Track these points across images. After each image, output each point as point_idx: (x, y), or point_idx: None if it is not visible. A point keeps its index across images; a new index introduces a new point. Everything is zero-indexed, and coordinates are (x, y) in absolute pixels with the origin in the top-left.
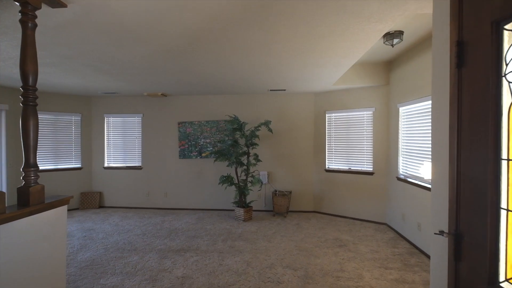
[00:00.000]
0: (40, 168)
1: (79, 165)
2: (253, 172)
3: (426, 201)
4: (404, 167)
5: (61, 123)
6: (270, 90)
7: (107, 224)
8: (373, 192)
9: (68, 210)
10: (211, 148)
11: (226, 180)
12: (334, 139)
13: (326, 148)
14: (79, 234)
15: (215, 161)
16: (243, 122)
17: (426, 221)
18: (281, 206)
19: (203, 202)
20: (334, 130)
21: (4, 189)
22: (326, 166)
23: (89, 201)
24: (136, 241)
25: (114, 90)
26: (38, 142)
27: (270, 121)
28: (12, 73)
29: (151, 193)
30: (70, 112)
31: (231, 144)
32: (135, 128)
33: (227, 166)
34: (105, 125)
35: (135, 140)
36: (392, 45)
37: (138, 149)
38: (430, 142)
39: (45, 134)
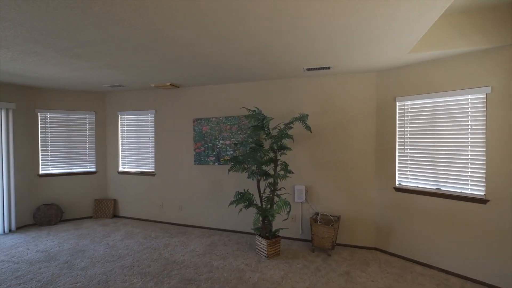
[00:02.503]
0: (54, 171)
1: (93, 169)
2: (280, 189)
3: None
4: None
5: (74, 122)
6: (307, 69)
7: (104, 244)
8: (488, 232)
9: (81, 218)
10: (231, 152)
11: (242, 199)
12: (411, 141)
13: (397, 154)
14: (63, 257)
15: (230, 171)
16: (265, 117)
17: None
18: (323, 239)
19: (220, 220)
20: (411, 126)
21: (12, 194)
22: (397, 183)
23: (103, 209)
24: (114, 279)
25: (118, 82)
26: (51, 144)
27: (307, 115)
28: (15, 69)
29: (165, 204)
30: (83, 110)
31: (253, 148)
32: (148, 127)
33: (248, 178)
34: (119, 124)
35: (149, 142)
36: None
37: (151, 151)
38: None
39: (58, 134)
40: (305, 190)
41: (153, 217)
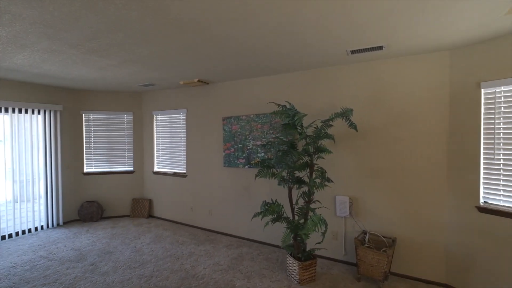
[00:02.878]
0: (96, 170)
1: (131, 169)
2: (315, 201)
3: None
4: None
5: (114, 122)
6: (352, 52)
7: (132, 247)
8: None
9: (120, 216)
10: (263, 154)
11: (268, 211)
12: (505, 142)
13: (482, 160)
14: (91, 258)
15: (257, 176)
16: (296, 113)
17: None
18: (373, 267)
19: (251, 230)
20: (505, 122)
21: (60, 190)
22: (482, 200)
23: (140, 208)
24: None
25: (148, 81)
26: (94, 143)
27: (352, 110)
28: (50, 71)
29: (196, 208)
30: (121, 111)
31: (284, 150)
32: (180, 126)
33: (278, 185)
34: (154, 123)
35: (180, 142)
36: None
37: (183, 152)
38: None
39: (100, 134)
40: (350, 202)
41: (184, 220)
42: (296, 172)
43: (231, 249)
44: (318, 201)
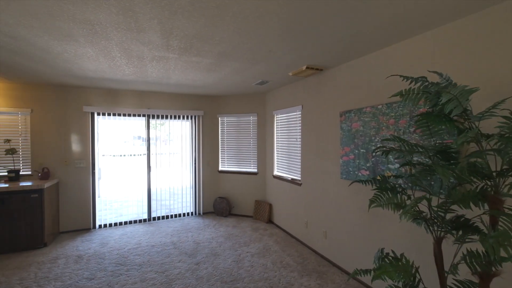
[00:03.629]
0: (228, 169)
1: (255, 170)
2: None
3: None
4: None
5: (241, 124)
6: None
7: (236, 255)
8: None
9: (244, 216)
10: (397, 166)
11: (386, 271)
12: None
13: None
14: (200, 256)
15: (371, 206)
16: (453, 87)
17: None
18: None
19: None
20: None
21: (201, 184)
22: None
23: (261, 211)
24: None
25: (259, 78)
26: (227, 144)
27: None
28: (174, 79)
29: (310, 224)
30: (248, 113)
31: (430, 164)
32: (296, 126)
33: (418, 225)
34: (275, 124)
35: (296, 144)
36: None
37: (298, 155)
38: None
39: (231, 136)
40: None
41: (298, 235)
42: (455, 208)
43: None
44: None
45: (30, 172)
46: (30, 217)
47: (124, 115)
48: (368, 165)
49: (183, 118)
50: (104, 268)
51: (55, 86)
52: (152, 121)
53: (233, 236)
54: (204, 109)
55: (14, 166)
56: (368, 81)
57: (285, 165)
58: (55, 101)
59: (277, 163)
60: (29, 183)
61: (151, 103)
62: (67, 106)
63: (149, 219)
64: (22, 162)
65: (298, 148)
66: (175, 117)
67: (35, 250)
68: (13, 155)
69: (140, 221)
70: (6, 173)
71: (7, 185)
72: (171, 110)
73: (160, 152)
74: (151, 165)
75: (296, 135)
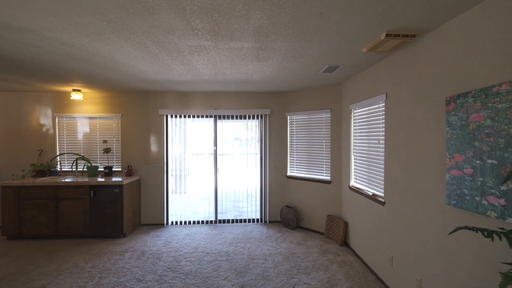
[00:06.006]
0: (297, 174)
1: (328, 178)
2: None
3: None
4: None
5: (312, 123)
6: None
7: (290, 284)
8: None
9: (314, 231)
10: None
11: None
12: None
13: None
14: (249, 277)
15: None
16: None
17: None
18: None
19: None
20: None
21: (267, 189)
22: None
23: (334, 229)
24: None
25: (326, 61)
26: (296, 146)
27: None
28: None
29: (396, 262)
30: (319, 109)
31: None
32: (378, 122)
33: None
34: (352, 120)
35: (379, 147)
36: None
37: (381, 164)
38: None
39: (300, 137)
40: None
41: (379, 271)
42: None
43: None
44: None
45: (120, 169)
46: (114, 209)
47: (194, 116)
48: (503, 188)
49: (249, 118)
50: (155, 271)
51: (137, 93)
52: (219, 122)
53: (294, 256)
54: (271, 107)
55: (108, 163)
56: (504, 38)
57: (364, 174)
58: (138, 106)
59: (354, 171)
60: (119, 179)
61: (217, 103)
62: (146, 110)
63: (215, 221)
64: (115, 160)
65: (380, 153)
66: (241, 117)
67: (116, 239)
68: (108, 154)
69: (207, 222)
70: (103, 169)
71: (103, 180)
72: (237, 110)
73: (227, 152)
74: (217, 166)
75: (378, 135)
